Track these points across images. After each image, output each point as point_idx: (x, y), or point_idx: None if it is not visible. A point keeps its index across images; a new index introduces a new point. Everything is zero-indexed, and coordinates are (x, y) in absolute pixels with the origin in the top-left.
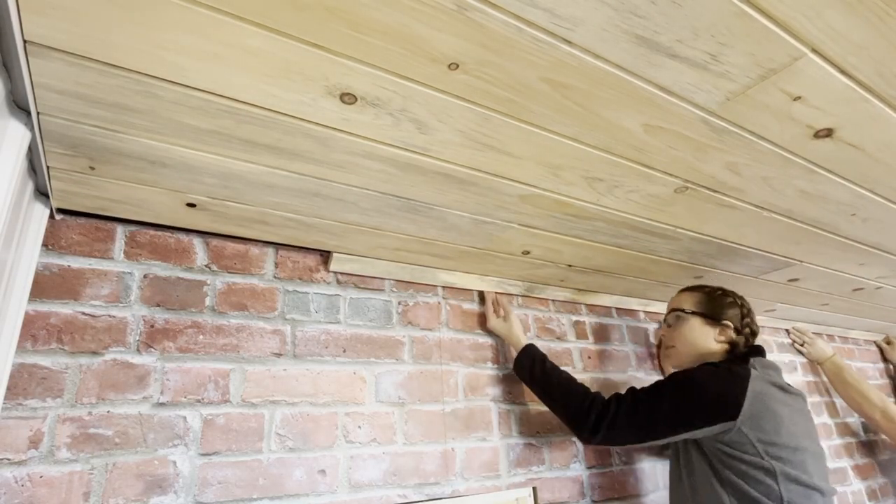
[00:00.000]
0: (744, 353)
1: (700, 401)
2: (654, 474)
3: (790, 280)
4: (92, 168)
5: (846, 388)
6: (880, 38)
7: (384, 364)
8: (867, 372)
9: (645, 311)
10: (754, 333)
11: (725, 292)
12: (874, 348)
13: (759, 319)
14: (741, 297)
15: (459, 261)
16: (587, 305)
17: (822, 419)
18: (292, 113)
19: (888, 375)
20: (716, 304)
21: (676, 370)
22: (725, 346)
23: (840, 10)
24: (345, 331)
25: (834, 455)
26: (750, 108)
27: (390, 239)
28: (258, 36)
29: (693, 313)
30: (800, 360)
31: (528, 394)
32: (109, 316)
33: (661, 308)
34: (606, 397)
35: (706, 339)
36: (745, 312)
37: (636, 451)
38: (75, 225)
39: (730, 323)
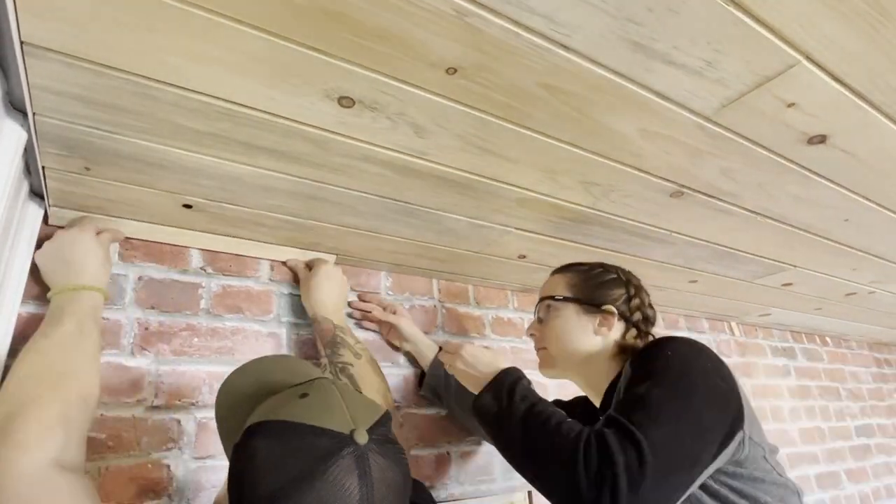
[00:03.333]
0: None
1: (726, 393)
2: None
3: (784, 284)
4: (88, 169)
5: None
6: (873, 47)
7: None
8: (860, 376)
9: None
10: (647, 320)
11: (606, 268)
12: (867, 352)
13: (753, 322)
14: (628, 273)
15: (453, 262)
16: None
17: (814, 423)
18: (290, 116)
19: None
20: (593, 283)
21: (546, 375)
22: (611, 342)
23: (834, 19)
24: None
25: (828, 459)
26: (745, 114)
27: (387, 242)
28: (257, 39)
29: (565, 299)
30: (794, 364)
31: None
32: (104, 318)
33: (657, 309)
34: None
35: (583, 334)
36: (634, 292)
37: None
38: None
39: (612, 308)
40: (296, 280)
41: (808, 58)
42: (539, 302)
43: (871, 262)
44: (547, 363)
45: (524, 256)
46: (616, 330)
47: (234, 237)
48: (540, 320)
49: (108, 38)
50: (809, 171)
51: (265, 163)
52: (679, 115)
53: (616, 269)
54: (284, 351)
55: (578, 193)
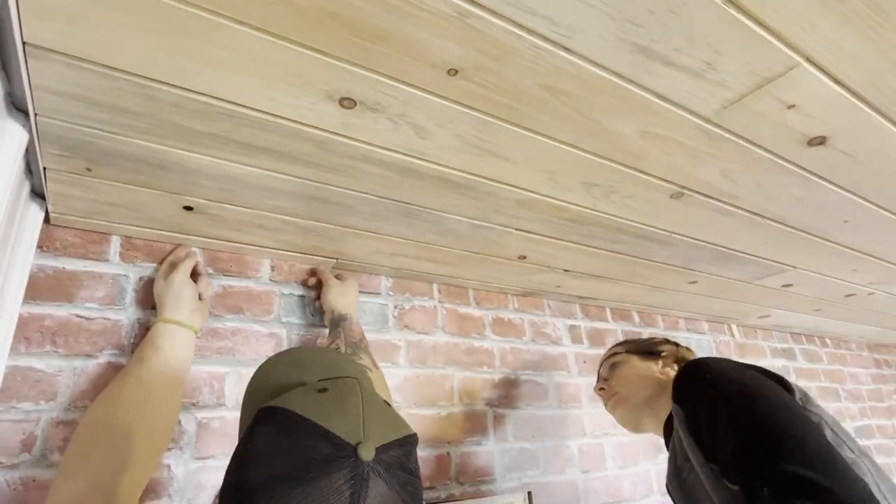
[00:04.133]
0: None
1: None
2: (648, 478)
3: (784, 285)
4: (89, 170)
5: None
6: (873, 49)
7: (380, 367)
8: (859, 378)
9: (640, 316)
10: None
11: (650, 338)
12: (866, 353)
13: (752, 324)
14: (673, 341)
15: (453, 263)
16: (583, 310)
17: None
18: (291, 116)
19: None
20: (646, 343)
21: (624, 424)
22: (669, 381)
23: (834, 21)
24: None
25: None
26: (745, 115)
27: (388, 243)
28: (258, 40)
29: (627, 352)
30: (793, 365)
31: (525, 397)
32: (104, 318)
33: (658, 311)
34: None
35: (651, 372)
36: (677, 345)
37: (633, 455)
38: (70, 227)
39: (668, 353)
40: (314, 284)
41: (809, 60)
42: (601, 366)
43: (871, 264)
44: (621, 405)
45: (524, 257)
46: (672, 372)
47: (234, 242)
48: (605, 379)
49: (110, 39)
50: (809, 172)
51: (266, 163)
52: (679, 116)
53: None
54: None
55: (579, 194)
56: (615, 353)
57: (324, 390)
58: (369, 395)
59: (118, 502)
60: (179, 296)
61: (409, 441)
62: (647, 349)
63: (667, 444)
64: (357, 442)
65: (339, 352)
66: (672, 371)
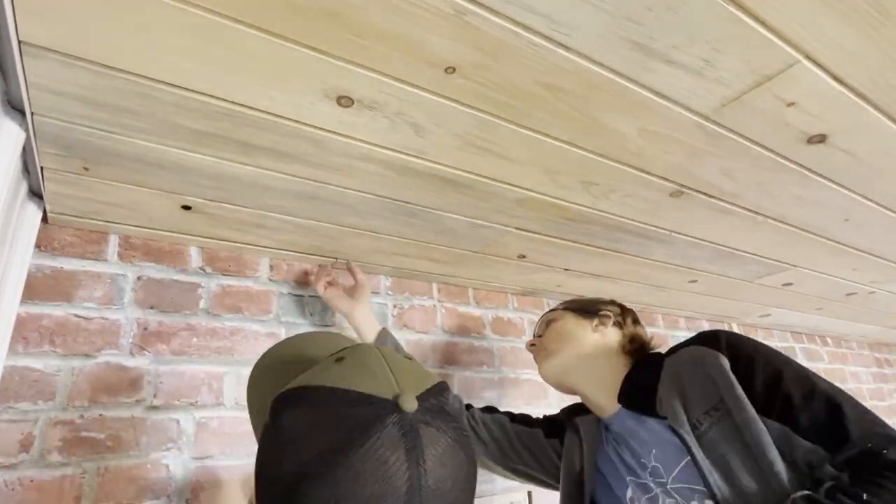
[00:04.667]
0: (640, 351)
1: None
2: None
3: (784, 284)
4: (86, 169)
5: None
6: (873, 46)
7: None
8: (860, 377)
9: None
10: (642, 343)
11: (601, 299)
12: (867, 352)
13: (753, 323)
14: (621, 304)
15: (453, 263)
16: None
17: None
18: (290, 115)
19: None
20: (587, 301)
21: (546, 376)
22: (608, 341)
23: (833, 18)
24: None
25: None
26: (744, 113)
27: (387, 242)
28: (256, 39)
29: (564, 309)
30: None
31: (523, 396)
32: (102, 318)
33: (658, 310)
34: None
35: (582, 332)
36: (627, 311)
37: None
38: (68, 226)
39: (608, 313)
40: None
41: (808, 57)
42: (538, 325)
43: (872, 262)
44: (544, 362)
45: (524, 256)
46: (613, 333)
47: (233, 241)
48: (539, 336)
49: (108, 38)
50: (809, 170)
51: (264, 162)
52: (679, 114)
53: (610, 301)
54: None
55: (578, 193)
56: (552, 310)
57: (341, 359)
58: (389, 353)
59: None
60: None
61: (443, 387)
62: (585, 307)
63: (628, 401)
64: (395, 395)
65: (327, 332)
66: (609, 333)
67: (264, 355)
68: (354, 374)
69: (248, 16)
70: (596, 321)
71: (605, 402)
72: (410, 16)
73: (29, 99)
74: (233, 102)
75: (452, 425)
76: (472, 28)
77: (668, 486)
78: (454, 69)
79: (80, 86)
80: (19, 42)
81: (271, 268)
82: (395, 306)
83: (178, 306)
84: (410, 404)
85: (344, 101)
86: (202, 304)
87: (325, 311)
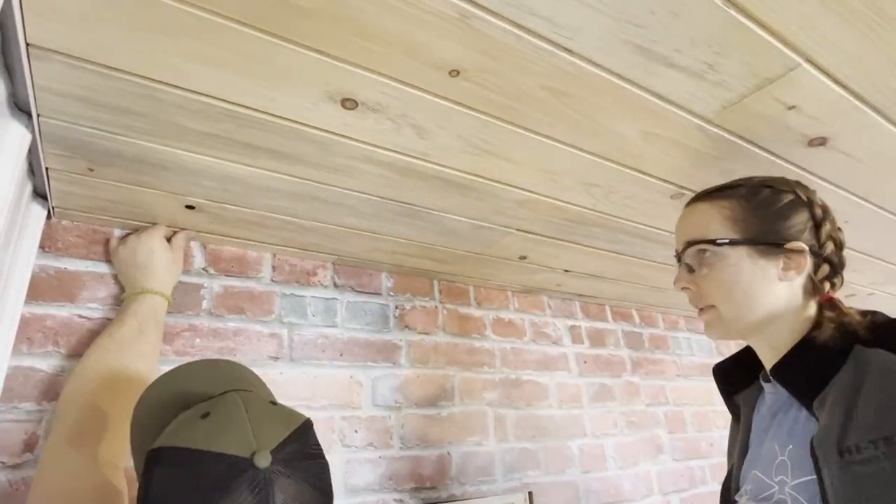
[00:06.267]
0: (860, 321)
1: None
2: (648, 478)
3: None
4: (91, 170)
5: None
6: (873, 49)
7: (381, 368)
8: None
9: (640, 316)
10: (841, 249)
11: (775, 186)
12: None
13: None
14: (805, 188)
15: (452, 263)
16: (583, 309)
17: None
18: (293, 117)
19: None
20: (764, 213)
21: (711, 337)
22: (798, 287)
23: (834, 22)
24: (342, 334)
25: None
26: (745, 116)
27: (388, 243)
28: (260, 41)
29: (732, 243)
30: None
31: (524, 397)
32: (106, 319)
33: (658, 310)
34: None
35: (764, 282)
36: (821, 215)
37: (633, 455)
38: (72, 227)
39: (800, 244)
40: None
41: (809, 60)
42: (686, 247)
43: (871, 264)
44: (719, 328)
45: (525, 257)
46: (806, 271)
47: (236, 239)
48: (691, 270)
49: (112, 41)
50: (810, 172)
51: (267, 164)
52: (680, 117)
53: (788, 183)
54: (286, 352)
55: (579, 195)
56: (713, 242)
57: (206, 415)
58: (253, 402)
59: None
60: (149, 262)
61: (304, 429)
62: (767, 233)
63: (775, 378)
64: (252, 453)
65: (212, 361)
66: (801, 279)
67: (146, 393)
68: (217, 433)
69: (252, 18)
70: (782, 262)
71: (773, 361)
72: (415, 19)
73: (35, 100)
74: (236, 104)
75: (308, 466)
76: (476, 31)
77: (787, 489)
78: (458, 72)
79: (85, 87)
80: (27, 45)
81: (273, 269)
82: (396, 307)
83: (181, 307)
84: (264, 460)
85: (348, 103)
86: (205, 304)
87: (326, 312)
